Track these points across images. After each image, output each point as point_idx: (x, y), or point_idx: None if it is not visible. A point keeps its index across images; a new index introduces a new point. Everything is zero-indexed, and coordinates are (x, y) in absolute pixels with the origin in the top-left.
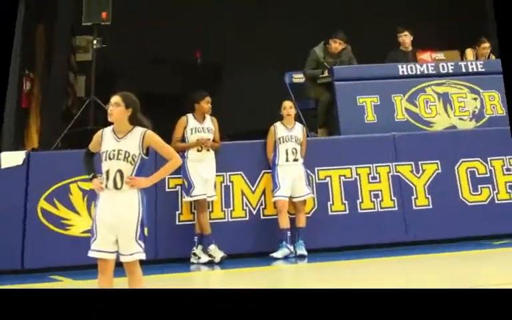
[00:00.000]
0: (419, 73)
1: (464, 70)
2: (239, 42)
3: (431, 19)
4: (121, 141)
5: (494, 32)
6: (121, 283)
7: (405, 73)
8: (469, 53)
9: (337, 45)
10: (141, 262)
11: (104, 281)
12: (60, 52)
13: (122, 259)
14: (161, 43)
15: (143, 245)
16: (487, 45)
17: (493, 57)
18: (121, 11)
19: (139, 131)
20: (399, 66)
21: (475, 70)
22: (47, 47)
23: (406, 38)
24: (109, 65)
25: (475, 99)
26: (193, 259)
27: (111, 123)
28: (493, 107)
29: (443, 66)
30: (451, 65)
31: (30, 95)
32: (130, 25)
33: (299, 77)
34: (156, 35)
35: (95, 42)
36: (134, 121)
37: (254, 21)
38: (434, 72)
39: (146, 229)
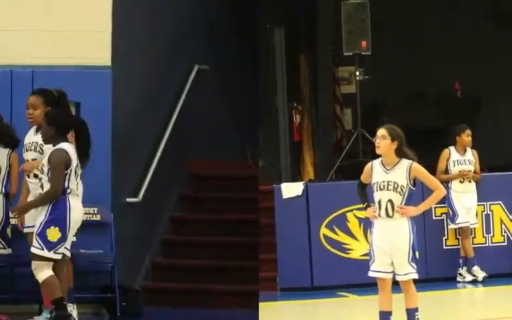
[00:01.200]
0: None
1: None
2: (497, 74)
3: None
4: (389, 172)
5: None
6: (398, 299)
7: None
8: None
9: None
10: (415, 280)
11: (383, 296)
12: (325, 84)
13: (398, 278)
14: (420, 75)
15: (415, 266)
16: None
17: None
18: (380, 42)
19: (405, 163)
20: None
21: None
22: (311, 79)
23: None
24: (372, 97)
25: None
26: (458, 278)
27: (378, 155)
28: None
29: None
30: None
31: (300, 127)
32: (389, 57)
33: None
34: (416, 68)
35: (357, 73)
36: (400, 153)
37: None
38: None
39: (417, 253)
